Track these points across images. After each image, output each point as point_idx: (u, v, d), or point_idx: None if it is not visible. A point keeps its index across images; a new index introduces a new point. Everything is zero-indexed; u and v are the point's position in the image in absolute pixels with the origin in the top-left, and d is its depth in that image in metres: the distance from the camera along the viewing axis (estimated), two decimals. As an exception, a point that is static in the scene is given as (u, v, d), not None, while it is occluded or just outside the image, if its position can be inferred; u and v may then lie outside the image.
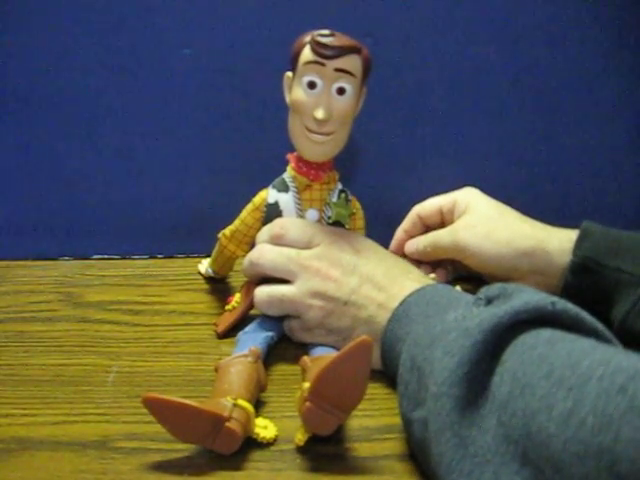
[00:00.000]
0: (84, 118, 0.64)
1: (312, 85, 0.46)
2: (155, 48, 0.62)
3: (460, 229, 0.55)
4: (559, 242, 0.52)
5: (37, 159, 0.65)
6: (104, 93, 0.63)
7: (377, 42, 0.61)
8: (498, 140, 0.67)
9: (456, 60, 0.64)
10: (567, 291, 0.53)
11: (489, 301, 0.37)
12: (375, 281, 0.48)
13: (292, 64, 0.47)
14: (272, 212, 0.51)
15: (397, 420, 0.40)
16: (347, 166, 0.62)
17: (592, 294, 0.52)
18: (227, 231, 0.53)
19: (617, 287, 0.50)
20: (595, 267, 0.50)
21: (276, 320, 0.51)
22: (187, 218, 0.67)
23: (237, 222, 0.53)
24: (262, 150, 0.64)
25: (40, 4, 0.60)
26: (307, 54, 0.46)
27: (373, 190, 0.65)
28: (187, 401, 0.37)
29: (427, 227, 0.60)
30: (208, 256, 0.59)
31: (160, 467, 0.38)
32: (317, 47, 0.45)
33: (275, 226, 0.50)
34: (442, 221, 0.59)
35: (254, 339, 0.48)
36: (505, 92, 0.65)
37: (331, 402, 0.38)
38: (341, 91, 0.46)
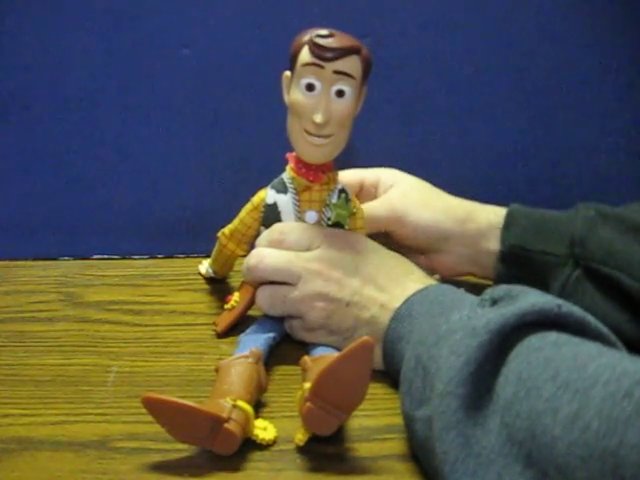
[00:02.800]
0: (84, 118, 0.64)
1: (310, 87, 0.45)
2: (154, 48, 0.62)
3: (394, 198, 0.55)
4: (486, 214, 0.54)
5: (37, 159, 0.65)
6: (104, 93, 0.63)
7: (377, 42, 0.61)
8: (497, 140, 0.67)
9: (456, 60, 0.64)
10: (499, 279, 0.54)
11: (494, 302, 0.37)
12: (377, 282, 0.47)
13: (290, 64, 0.47)
14: (270, 213, 0.51)
15: (397, 420, 0.40)
16: (347, 166, 0.62)
17: (523, 280, 0.52)
18: (226, 230, 0.53)
19: (545, 270, 0.51)
20: (522, 253, 0.52)
21: (277, 321, 0.50)
22: (187, 218, 0.67)
23: (236, 221, 0.52)
24: (262, 150, 0.64)
25: (40, 4, 0.60)
26: (305, 55, 0.45)
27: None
28: (186, 402, 0.37)
29: None
30: (208, 256, 0.59)
31: (160, 467, 0.38)
32: (315, 49, 0.44)
33: (274, 232, 0.50)
34: (360, 194, 0.58)
35: (255, 340, 0.48)
36: (504, 92, 0.65)
37: (332, 403, 0.38)
38: (340, 93, 0.46)
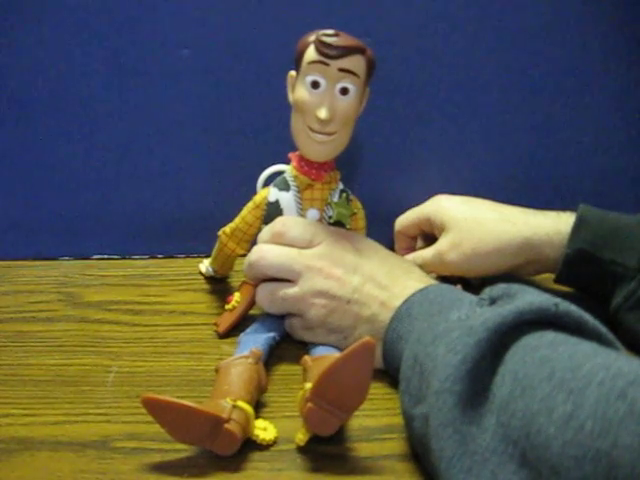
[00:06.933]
0: (84, 118, 0.64)
1: (315, 85, 0.46)
2: (154, 48, 0.62)
3: (445, 252, 0.55)
4: (545, 231, 0.53)
5: (37, 159, 0.65)
6: (104, 93, 0.63)
7: (376, 42, 0.60)
8: (498, 140, 0.67)
9: (456, 60, 0.64)
10: (561, 280, 0.53)
11: (493, 301, 0.37)
12: (377, 280, 0.48)
13: (296, 63, 0.47)
14: (273, 211, 0.51)
15: (397, 420, 0.40)
16: (348, 166, 0.62)
17: (586, 285, 0.52)
18: (227, 229, 0.53)
19: (611, 280, 0.50)
20: (589, 259, 0.51)
21: (278, 320, 0.51)
22: (187, 218, 0.67)
23: (237, 220, 0.53)
24: (262, 150, 0.64)
25: (40, 4, 0.60)
26: (311, 53, 0.46)
27: (374, 190, 0.65)
28: (186, 402, 0.37)
29: (414, 238, 0.62)
30: (208, 256, 0.59)
31: (160, 467, 0.38)
32: (321, 47, 0.45)
33: (277, 224, 0.50)
34: (424, 232, 0.60)
35: (255, 340, 0.48)
36: (505, 92, 0.65)
37: (333, 403, 0.38)
38: (344, 91, 0.46)
